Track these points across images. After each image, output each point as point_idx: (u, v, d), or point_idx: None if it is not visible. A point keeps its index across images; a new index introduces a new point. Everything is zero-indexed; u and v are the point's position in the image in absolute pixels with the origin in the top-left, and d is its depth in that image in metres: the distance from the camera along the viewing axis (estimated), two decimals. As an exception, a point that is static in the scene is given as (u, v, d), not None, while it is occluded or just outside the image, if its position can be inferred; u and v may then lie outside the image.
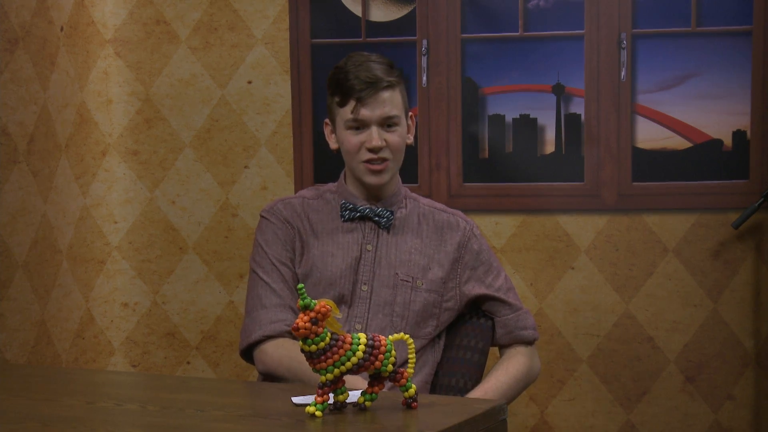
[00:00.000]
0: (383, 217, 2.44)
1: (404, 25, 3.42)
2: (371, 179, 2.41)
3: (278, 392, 2.07)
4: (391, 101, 2.39)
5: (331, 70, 2.46)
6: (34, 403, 1.98)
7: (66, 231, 3.27)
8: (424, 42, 3.40)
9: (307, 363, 1.79)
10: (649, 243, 3.33)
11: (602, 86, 3.33)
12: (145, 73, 3.50)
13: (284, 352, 2.34)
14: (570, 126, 3.36)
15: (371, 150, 2.38)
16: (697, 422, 3.34)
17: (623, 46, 3.31)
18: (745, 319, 3.30)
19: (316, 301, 1.77)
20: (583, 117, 3.35)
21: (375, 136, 2.37)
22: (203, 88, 3.50)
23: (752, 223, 3.25)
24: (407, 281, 2.43)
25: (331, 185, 2.53)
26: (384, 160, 2.39)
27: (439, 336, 2.51)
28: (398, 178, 2.50)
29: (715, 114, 3.28)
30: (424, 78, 3.40)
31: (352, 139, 2.39)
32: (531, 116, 3.37)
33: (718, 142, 3.29)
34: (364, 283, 2.42)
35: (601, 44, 3.32)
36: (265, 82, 3.47)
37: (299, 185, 3.46)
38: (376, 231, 2.45)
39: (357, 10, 3.43)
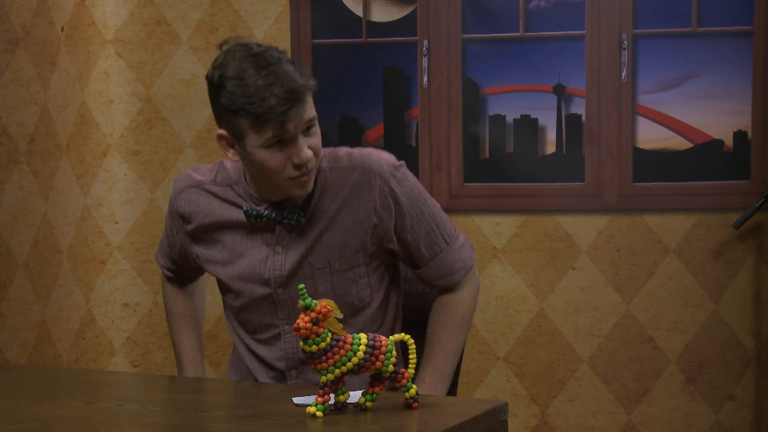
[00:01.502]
0: (293, 219, 2.19)
1: (405, 25, 3.42)
2: (299, 191, 2.16)
3: (279, 393, 2.07)
4: (310, 104, 2.10)
5: (212, 73, 2.16)
6: (35, 404, 1.98)
7: (67, 231, 3.27)
8: (425, 42, 3.40)
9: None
10: (650, 243, 3.33)
11: (603, 86, 3.33)
12: (146, 74, 3.50)
13: (166, 297, 2.55)
14: (571, 126, 3.36)
15: (300, 165, 2.10)
16: (698, 422, 3.34)
17: (624, 46, 3.31)
18: (745, 320, 3.30)
19: (316, 301, 1.77)
20: (583, 117, 3.35)
21: (303, 149, 2.09)
22: (204, 89, 3.48)
23: (753, 224, 3.25)
24: (324, 267, 2.22)
25: (233, 172, 2.28)
26: (311, 171, 2.14)
27: (388, 292, 2.33)
28: None
29: (715, 114, 3.28)
30: (425, 78, 3.40)
31: (276, 157, 2.09)
32: (532, 116, 3.37)
33: (719, 143, 3.29)
34: (278, 287, 2.24)
35: (602, 44, 3.32)
36: (265, 82, 3.47)
37: (300, 185, 3.46)
38: (283, 231, 2.23)
39: (358, 10, 3.43)
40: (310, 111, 2.09)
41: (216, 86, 2.14)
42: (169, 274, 2.51)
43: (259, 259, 2.25)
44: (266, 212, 2.20)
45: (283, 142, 2.09)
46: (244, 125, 2.09)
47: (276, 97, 2.04)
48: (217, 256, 2.31)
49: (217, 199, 2.29)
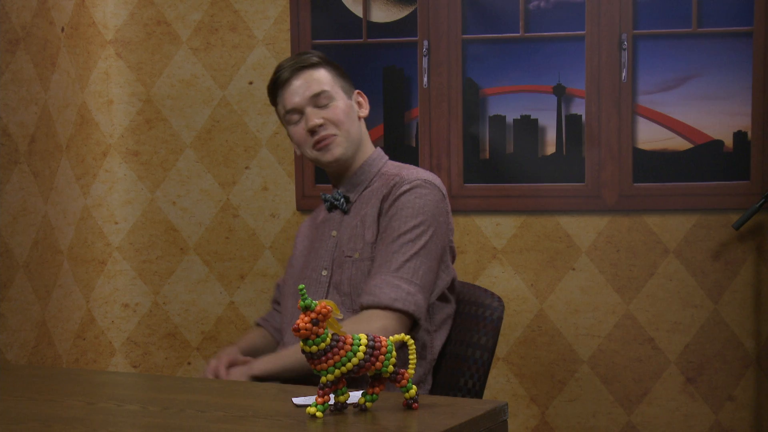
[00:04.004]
0: (338, 200, 2.44)
1: (405, 25, 3.42)
2: (325, 156, 2.41)
3: (279, 393, 2.07)
4: (317, 80, 2.40)
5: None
6: (35, 404, 1.98)
7: (67, 231, 3.27)
8: (425, 43, 3.40)
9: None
10: (650, 244, 3.33)
11: (603, 87, 3.33)
12: (146, 74, 3.50)
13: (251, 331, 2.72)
14: (571, 127, 3.36)
15: (312, 130, 2.39)
16: (697, 423, 3.34)
17: (624, 46, 3.31)
18: (745, 320, 3.30)
19: (317, 302, 1.77)
20: (583, 118, 3.35)
21: (310, 116, 2.38)
22: (204, 89, 3.50)
23: (753, 224, 3.25)
24: (350, 256, 2.39)
25: None
26: (329, 135, 2.39)
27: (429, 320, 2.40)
28: (368, 156, 2.46)
29: (715, 115, 3.28)
30: (425, 79, 3.40)
31: (296, 130, 2.42)
32: (532, 117, 3.37)
33: (719, 143, 3.29)
34: (324, 268, 2.42)
35: (602, 45, 3.32)
36: (266, 82, 3.46)
37: (300, 186, 3.46)
38: (341, 216, 2.46)
39: (358, 10, 3.43)
40: (316, 85, 2.39)
41: (268, 92, 2.51)
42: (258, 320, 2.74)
43: (323, 244, 2.47)
44: (326, 195, 2.48)
45: (299, 116, 2.40)
46: (277, 112, 2.47)
47: (284, 69, 2.41)
48: (298, 259, 2.55)
49: (315, 212, 2.60)
